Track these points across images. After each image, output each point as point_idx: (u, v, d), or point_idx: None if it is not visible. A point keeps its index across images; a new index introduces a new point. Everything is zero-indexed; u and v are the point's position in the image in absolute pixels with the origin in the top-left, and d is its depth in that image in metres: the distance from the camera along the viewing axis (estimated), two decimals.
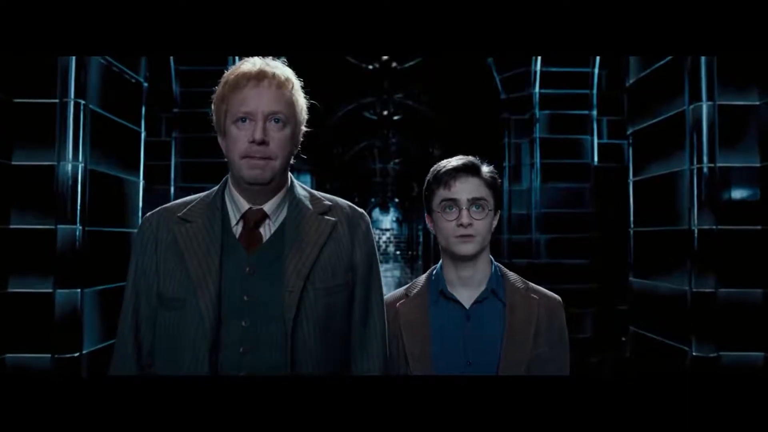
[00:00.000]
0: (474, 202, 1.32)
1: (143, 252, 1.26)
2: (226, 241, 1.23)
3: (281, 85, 1.22)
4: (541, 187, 5.24)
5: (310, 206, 1.28)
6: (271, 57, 1.28)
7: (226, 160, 1.25)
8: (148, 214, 1.31)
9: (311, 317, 1.20)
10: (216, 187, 1.32)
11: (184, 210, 1.27)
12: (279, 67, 1.24)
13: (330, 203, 1.32)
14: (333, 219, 1.28)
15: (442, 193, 1.34)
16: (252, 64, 1.24)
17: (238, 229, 1.25)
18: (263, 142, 1.19)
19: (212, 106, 1.26)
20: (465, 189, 1.32)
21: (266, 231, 1.26)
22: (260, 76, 1.20)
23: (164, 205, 1.32)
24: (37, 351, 2.11)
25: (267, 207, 1.27)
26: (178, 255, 1.22)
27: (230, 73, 1.24)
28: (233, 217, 1.26)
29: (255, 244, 1.24)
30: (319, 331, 1.20)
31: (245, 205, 1.26)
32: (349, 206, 1.34)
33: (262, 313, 1.19)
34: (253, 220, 1.25)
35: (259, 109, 1.19)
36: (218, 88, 1.25)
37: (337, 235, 1.27)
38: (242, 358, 1.17)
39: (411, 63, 7.71)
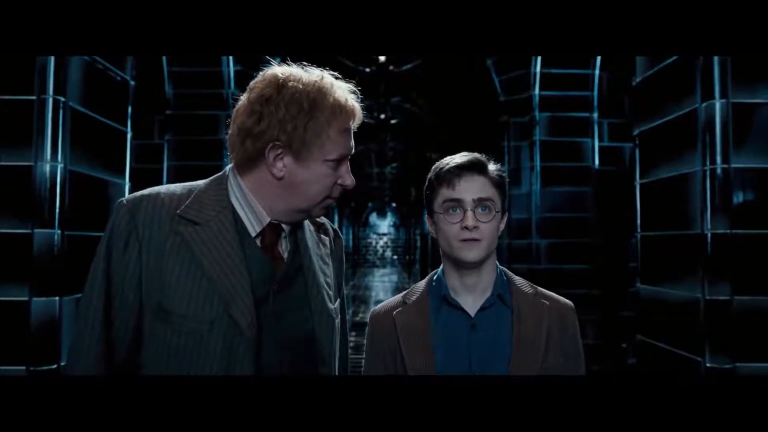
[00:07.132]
0: (480, 202, 1.20)
1: (122, 248, 1.04)
2: (250, 253, 1.09)
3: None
4: (542, 191, 5.17)
5: (307, 222, 1.21)
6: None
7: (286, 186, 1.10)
8: (124, 201, 1.07)
9: (333, 339, 1.17)
10: (211, 184, 1.13)
11: (183, 207, 1.07)
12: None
13: (320, 220, 1.25)
14: (326, 237, 1.26)
15: (445, 193, 1.22)
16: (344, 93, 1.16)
17: (257, 242, 1.11)
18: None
19: (299, 121, 1.05)
20: (470, 188, 1.20)
21: (281, 246, 1.14)
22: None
23: (143, 194, 1.09)
24: (12, 363, 2.00)
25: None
26: (193, 263, 1.04)
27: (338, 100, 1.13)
28: (251, 228, 1.10)
29: (279, 259, 1.12)
30: (334, 352, 1.19)
31: (266, 218, 1.11)
32: (328, 222, 1.32)
33: (293, 337, 1.11)
34: (275, 234, 1.12)
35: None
36: (322, 112, 1.09)
37: (331, 253, 1.26)
38: None
39: (408, 66, 7.63)
